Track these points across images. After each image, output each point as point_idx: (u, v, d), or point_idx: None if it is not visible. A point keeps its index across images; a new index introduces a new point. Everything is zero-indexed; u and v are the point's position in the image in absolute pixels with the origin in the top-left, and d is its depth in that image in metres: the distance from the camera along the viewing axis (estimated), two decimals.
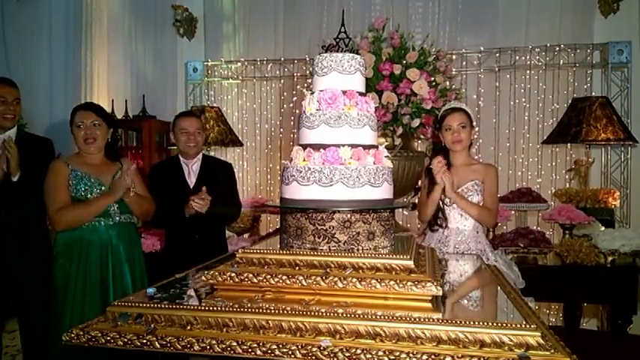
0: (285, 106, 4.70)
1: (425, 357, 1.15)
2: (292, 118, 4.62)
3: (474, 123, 2.54)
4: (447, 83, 3.09)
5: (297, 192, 1.60)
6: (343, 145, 1.61)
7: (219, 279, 1.48)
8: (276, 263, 1.49)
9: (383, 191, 1.62)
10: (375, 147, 1.70)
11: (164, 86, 4.90)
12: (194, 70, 4.81)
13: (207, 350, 1.25)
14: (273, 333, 1.26)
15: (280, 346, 1.22)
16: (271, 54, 4.70)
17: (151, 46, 4.89)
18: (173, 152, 3.81)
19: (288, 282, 1.43)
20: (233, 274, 1.48)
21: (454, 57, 4.23)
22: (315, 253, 1.51)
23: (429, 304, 1.35)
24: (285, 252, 1.53)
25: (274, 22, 4.71)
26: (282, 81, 4.70)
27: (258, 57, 4.70)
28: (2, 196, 2.52)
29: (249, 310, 1.31)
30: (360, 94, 1.72)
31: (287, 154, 1.77)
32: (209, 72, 4.83)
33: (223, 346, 1.24)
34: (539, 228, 3.69)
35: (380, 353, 1.17)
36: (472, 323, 1.19)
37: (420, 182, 2.69)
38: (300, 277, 1.43)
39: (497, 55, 4.28)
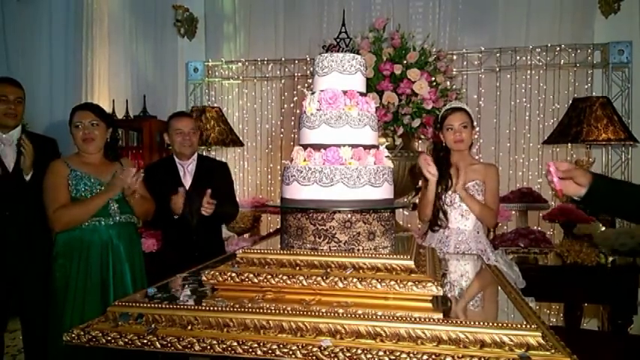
0: (285, 106, 4.70)
1: (425, 357, 1.15)
2: (293, 118, 4.63)
3: (475, 123, 2.54)
4: (448, 83, 3.10)
5: (298, 192, 1.60)
6: (344, 145, 1.60)
7: (220, 279, 1.48)
8: (277, 263, 1.49)
9: (383, 191, 1.62)
10: (376, 147, 1.70)
11: (165, 86, 4.91)
12: (195, 71, 4.81)
13: (208, 350, 1.25)
14: (274, 333, 1.26)
15: (281, 346, 1.21)
16: (272, 54, 4.70)
17: (152, 47, 4.89)
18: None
19: (288, 282, 1.43)
20: (234, 274, 1.48)
21: (455, 57, 4.23)
22: (316, 253, 1.51)
23: (430, 304, 1.35)
24: (285, 252, 1.53)
25: (275, 23, 4.71)
26: (282, 81, 4.70)
27: (258, 57, 4.70)
28: (10, 195, 2.53)
29: (250, 310, 1.31)
30: (361, 94, 1.72)
31: (287, 154, 1.77)
32: (210, 72, 4.83)
33: (224, 346, 1.24)
34: (539, 228, 3.68)
35: (380, 353, 1.17)
36: (472, 323, 1.19)
37: (420, 182, 2.70)
38: (301, 277, 1.43)
39: (498, 55, 4.28)
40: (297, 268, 1.47)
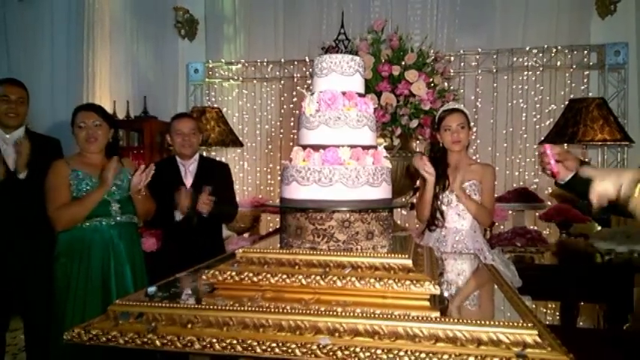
0: (285, 106, 4.72)
1: (423, 355, 1.16)
2: (292, 118, 4.64)
3: (472, 124, 2.56)
4: (445, 84, 3.11)
5: (297, 192, 1.61)
6: (342, 146, 1.62)
7: (220, 278, 1.49)
8: (276, 262, 1.50)
9: (382, 191, 1.63)
10: (374, 147, 1.71)
11: (165, 87, 4.92)
12: (195, 72, 4.83)
13: (208, 348, 1.26)
14: (273, 331, 1.27)
15: (280, 344, 1.23)
16: (271, 55, 4.72)
17: (153, 48, 4.90)
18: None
19: (287, 281, 1.44)
20: (233, 274, 1.49)
21: (452, 58, 4.25)
22: (315, 252, 1.52)
23: (427, 303, 1.36)
24: (284, 251, 1.54)
25: (274, 24, 4.73)
26: (282, 82, 4.72)
27: (258, 58, 4.72)
28: (9, 194, 2.53)
29: (249, 308, 1.32)
30: (360, 95, 1.73)
31: (287, 155, 1.79)
32: (210, 73, 4.85)
33: (224, 344, 1.25)
34: (536, 227, 3.71)
35: (378, 351, 1.18)
36: (470, 322, 1.20)
37: (418, 182, 2.71)
38: (300, 276, 1.43)
39: (495, 56, 4.30)
40: (297, 267, 1.48)
